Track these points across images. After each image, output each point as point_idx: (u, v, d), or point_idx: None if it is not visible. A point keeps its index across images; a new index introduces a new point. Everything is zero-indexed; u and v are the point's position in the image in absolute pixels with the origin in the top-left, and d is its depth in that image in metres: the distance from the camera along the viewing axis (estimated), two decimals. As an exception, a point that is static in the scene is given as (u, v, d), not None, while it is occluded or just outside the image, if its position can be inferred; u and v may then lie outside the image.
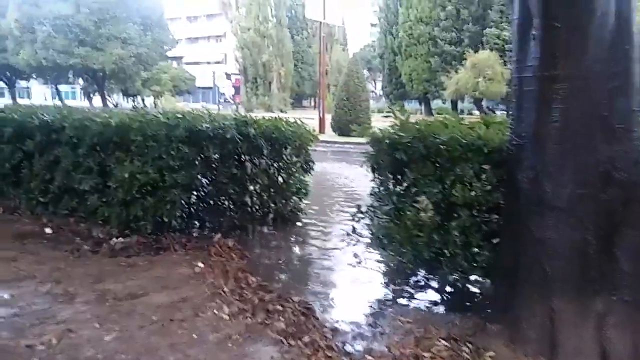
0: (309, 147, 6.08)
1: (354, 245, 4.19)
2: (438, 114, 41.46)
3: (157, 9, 46.96)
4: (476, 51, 29.99)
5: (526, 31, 2.66)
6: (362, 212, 4.03)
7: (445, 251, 3.54)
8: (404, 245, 3.68)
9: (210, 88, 56.44)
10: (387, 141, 3.78)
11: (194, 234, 5.28)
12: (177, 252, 4.76)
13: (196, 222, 5.49)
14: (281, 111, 40.01)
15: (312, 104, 64.75)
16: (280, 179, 5.82)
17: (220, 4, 52.02)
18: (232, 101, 50.46)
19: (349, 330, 3.30)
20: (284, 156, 5.78)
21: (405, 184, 3.80)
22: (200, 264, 4.42)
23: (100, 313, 3.40)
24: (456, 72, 29.89)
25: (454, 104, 37.25)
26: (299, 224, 6.16)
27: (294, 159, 5.98)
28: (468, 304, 3.73)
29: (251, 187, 5.47)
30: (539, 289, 2.74)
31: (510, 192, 3.04)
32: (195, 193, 5.20)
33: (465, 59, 29.60)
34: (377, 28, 46.25)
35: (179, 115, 4.81)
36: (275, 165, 5.75)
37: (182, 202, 4.82)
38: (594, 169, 2.54)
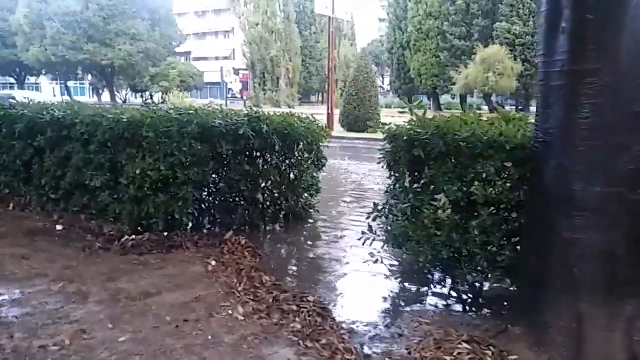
0: (320, 144, 6.01)
1: (369, 244, 4.10)
2: (446, 109, 41.24)
3: (165, 4, 47.04)
4: (486, 45, 29.65)
5: (555, 23, 2.55)
6: (378, 210, 3.94)
7: (464, 251, 3.46)
8: (422, 244, 3.60)
9: (218, 84, 56.46)
10: (404, 137, 3.70)
11: (205, 232, 5.22)
12: (189, 249, 4.70)
13: (207, 219, 5.44)
14: (289, 106, 39.92)
15: (320, 99, 64.54)
16: (292, 175, 5.75)
17: (228, -1, 51.93)
18: (239, 97, 50.41)
19: (366, 331, 3.22)
20: (295, 152, 5.70)
21: (422, 182, 3.72)
22: (213, 262, 4.36)
23: (114, 313, 3.34)
24: (465, 66, 29.57)
25: (463, 99, 36.95)
26: (310, 221, 6.09)
27: (306, 155, 5.91)
28: (487, 305, 3.65)
29: (263, 184, 5.40)
30: (566, 292, 2.65)
31: (534, 190, 2.95)
32: (206, 190, 5.14)
33: (475, 53, 29.27)
34: (386, 23, 45.95)
35: (191, 111, 4.73)
36: (287, 161, 5.68)
37: (194, 199, 4.74)
38: (625, 167, 2.44)
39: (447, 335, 3.04)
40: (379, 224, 4.06)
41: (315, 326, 3.18)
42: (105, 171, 5.22)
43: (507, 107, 31.00)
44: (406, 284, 4.11)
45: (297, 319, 3.29)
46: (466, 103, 36.02)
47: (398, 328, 3.26)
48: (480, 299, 3.72)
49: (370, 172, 11.01)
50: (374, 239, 3.97)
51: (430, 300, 3.81)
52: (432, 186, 3.61)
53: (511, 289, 3.53)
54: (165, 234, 4.94)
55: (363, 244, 4.02)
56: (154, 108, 5.01)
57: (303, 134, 5.45)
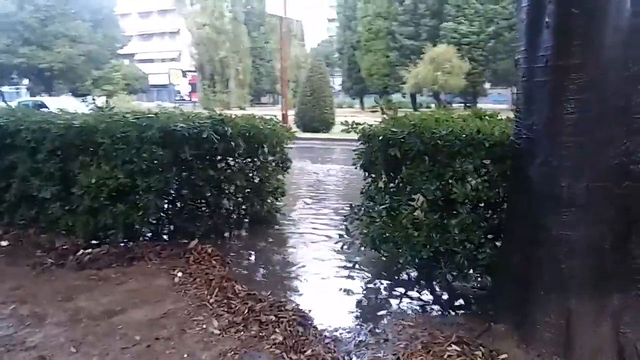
0: (284, 145, 5.85)
1: (341, 247, 3.99)
2: (398, 108, 41.94)
3: (108, 5, 45.21)
4: (434, 45, 30.37)
5: (538, 19, 2.52)
6: (355, 213, 3.83)
7: (444, 250, 3.41)
8: (401, 246, 3.52)
9: (166, 86, 55.03)
10: (380, 137, 3.60)
11: (168, 241, 4.94)
12: (152, 261, 4.43)
13: (169, 228, 5.16)
14: (240, 108, 39.34)
15: (271, 100, 64.16)
16: (257, 179, 5.56)
17: (173, -1, 50.61)
18: (188, 99, 49.28)
19: (350, 338, 3.10)
20: (260, 155, 5.52)
21: (399, 182, 3.64)
22: (179, 274, 4.12)
23: (76, 335, 3.07)
24: (415, 66, 30.16)
25: (413, 98, 37.64)
26: (276, 225, 5.92)
27: (270, 157, 5.73)
28: (466, 304, 3.62)
29: (228, 189, 5.18)
30: (554, 289, 2.63)
31: (517, 188, 2.92)
32: (168, 197, 4.86)
33: (424, 53, 29.93)
34: (336, 23, 46.20)
35: (151, 115, 4.45)
36: (251, 165, 5.48)
37: (157, 207, 4.47)
38: (610, 162, 2.44)
39: (434, 337, 2.96)
40: (355, 227, 3.94)
41: (298, 336, 3.03)
42: (56, 181, 4.86)
43: (455, 105, 31.86)
44: (382, 287, 4.02)
45: (277, 330, 3.13)
46: (416, 102, 36.70)
47: (382, 333, 3.16)
48: (460, 299, 3.67)
49: (330, 172, 10.95)
50: (352, 243, 3.84)
51: (409, 302, 3.73)
52: (409, 186, 3.54)
53: (490, 287, 3.52)
54: (125, 246, 4.66)
55: (342, 247, 3.89)
56: (109, 112, 4.69)
57: (268, 136, 5.27)
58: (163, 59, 66.44)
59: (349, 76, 41.09)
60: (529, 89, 2.66)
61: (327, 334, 3.13)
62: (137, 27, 64.13)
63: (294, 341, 2.97)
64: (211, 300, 3.60)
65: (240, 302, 3.57)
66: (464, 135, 3.24)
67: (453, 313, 3.48)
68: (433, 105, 32.24)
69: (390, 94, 39.32)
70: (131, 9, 67.06)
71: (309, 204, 7.24)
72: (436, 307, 3.64)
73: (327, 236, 5.40)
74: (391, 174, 3.69)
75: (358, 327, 3.29)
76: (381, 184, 3.71)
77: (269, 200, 5.90)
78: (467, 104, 33.88)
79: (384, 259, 3.78)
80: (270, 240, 5.38)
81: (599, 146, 2.43)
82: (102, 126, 4.53)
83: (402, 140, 3.47)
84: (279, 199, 6.04)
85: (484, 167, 3.25)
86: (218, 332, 3.13)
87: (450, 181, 3.37)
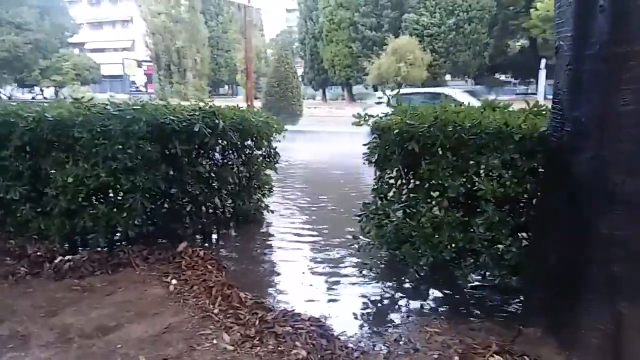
0: (271, 139, 5.52)
1: (358, 249, 3.75)
2: (359, 99, 41.85)
3: (55, -9, 42.98)
4: (396, 36, 30.42)
5: (589, 2, 2.33)
6: (370, 211, 3.58)
7: (468, 250, 3.23)
8: (420, 246, 3.31)
9: (120, 77, 52.87)
10: (395, 130, 3.36)
11: (154, 244, 4.54)
12: (140, 267, 4.05)
13: (153, 230, 4.75)
14: (199, 99, 38.19)
15: (230, 91, 62.96)
16: (246, 175, 5.22)
17: (126, -14, 48.59)
18: (144, 90, 47.55)
19: (377, 350, 2.86)
20: (249, 150, 5.18)
21: (418, 178, 3.41)
22: (174, 281, 3.77)
23: (69, 358, 2.69)
24: (378, 57, 30.13)
25: (375, 89, 37.71)
26: (265, 223, 5.61)
27: (259, 152, 5.41)
28: (489, 307, 3.45)
29: (217, 186, 4.82)
30: (603, 292, 2.46)
31: (555, 184, 2.74)
32: (155, 196, 4.46)
33: (386, 44, 29.93)
34: (297, 13, 45.62)
35: (137, 107, 4.04)
36: (240, 160, 5.14)
37: (143, 208, 4.07)
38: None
39: (468, 346, 2.77)
40: (364, 226, 3.70)
41: (323, 350, 2.76)
42: (25, 181, 4.37)
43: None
44: (397, 290, 3.80)
45: (297, 343, 2.85)
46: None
47: (409, 342, 2.93)
48: (480, 302, 3.50)
49: (306, 165, 10.68)
50: (369, 244, 3.59)
51: (428, 306, 3.53)
52: (429, 183, 3.32)
53: (508, 288, 3.36)
54: (107, 250, 4.25)
55: (358, 250, 3.64)
56: (87, 104, 4.24)
57: (260, 129, 4.94)
58: (115, 49, 63.85)
59: (311, 67, 40.71)
60: (575, 78, 2.48)
61: (351, 345, 2.88)
62: (87, 15, 61.27)
63: (319, 356, 2.71)
64: (215, 311, 3.28)
65: (248, 311, 3.26)
66: (491, 128, 3.05)
67: (477, 317, 3.29)
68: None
69: (353, 85, 39.27)
70: (80, -4, 64.10)
71: (293, 200, 6.95)
72: (457, 310, 3.44)
73: (320, 234, 5.16)
74: (409, 169, 3.46)
75: (380, 336, 3.05)
76: (400, 181, 3.47)
77: (255, 198, 5.58)
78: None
79: (399, 260, 3.55)
80: (264, 240, 5.09)
81: (659, 140, 2.27)
82: (80, 119, 4.09)
83: (422, 133, 3.25)
84: (266, 195, 5.72)
85: (512, 161, 3.06)
86: (231, 347, 2.83)
87: (475, 177, 3.18)
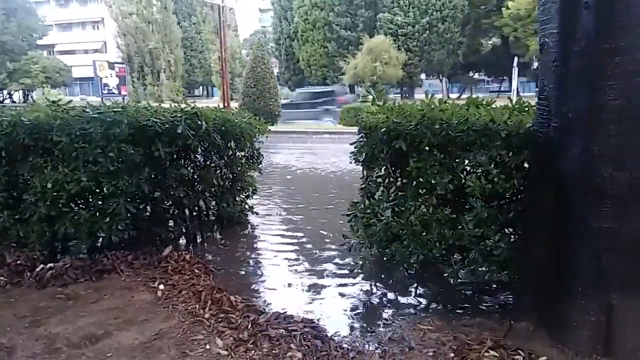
0: (254, 140, 5.48)
1: (349, 249, 3.74)
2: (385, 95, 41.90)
3: (21, -8, 41.87)
4: (371, 36, 30.54)
5: (574, 0, 2.37)
6: (359, 210, 3.58)
7: (457, 247, 3.25)
8: (410, 245, 3.32)
9: (91, 79, 51.69)
10: (383, 129, 3.37)
11: (137, 249, 4.44)
12: (125, 273, 3.97)
13: (136, 234, 4.65)
14: (173, 101, 37.70)
15: (205, 92, 62.34)
16: (230, 176, 5.17)
17: (95, -14, 47.64)
18: (117, 92, 46.68)
19: (372, 349, 2.86)
20: (232, 151, 5.13)
21: (406, 176, 3.42)
22: (161, 286, 3.71)
23: (57, 370, 2.61)
24: (353, 57, 30.20)
25: (352, 89, 37.82)
26: (251, 225, 5.57)
27: (241, 153, 5.36)
28: (478, 302, 3.48)
29: (201, 189, 4.75)
30: (593, 285, 2.51)
31: (543, 179, 2.78)
32: (137, 200, 4.36)
33: (362, 43, 30.02)
34: (271, 13, 45.43)
35: (118, 109, 3.95)
36: (223, 161, 5.08)
37: (127, 212, 3.98)
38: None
39: (462, 342, 2.79)
40: (353, 226, 3.69)
41: (318, 352, 2.75)
42: (2, 187, 4.25)
43: (392, 96, 32.33)
44: (387, 289, 3.81)
45: (292, 345, 2.83)
46: (355, 93, 36.89)
47: (403, 340, 2.94)
48: (468, 297, 3.54)
49: (285, 166, 10.64)
50: (359, 243, 3.59)
51: (418, 303, 3.55)
52: (417, 181, 3.34)
53: (495, 283, 3.40)
54: (90, 257, 4.15)
55: (349, 250, 3.64)
56: (65, 107, 4.13)
57: (243, 130, 4.89)
58: (86, 50, 62.53)
59: (287, 67, 40.56)
60: (562, 74, 2.52)
61: (346, 345, 2.87)
62: (55, 16, 59.76)
63: (315, 357, 2.69)
64: (206, 315, 3.23)
65: (239, 315, 3.23)
66: (478, 126, 3.08)
67: (467, 313, 3.31)
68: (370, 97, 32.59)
69: (330, 85, 39.29)
70: (48, -3, 62.56)
71: (275, 202, 6.91)
72: (448, 307, 3.45)
73: (306, 235, 5.15)
74: (396, 168, 3.47)
75: (375, 335, 3.06)
76: (387, 179, 3.48)
77: (239, 199, 5.53)
78: (405, 95, 34.56)
79: (388, 259, 3.55)
80: (250, 243, 5.06)
81: (645, 134, 2.32)
82: (57, 122, 3.98)
83: (409, 131, 3.26)
84: (250, 197, 5.67)
85: (499, 158, 3.10)
86: (225, 352, 2.79)
87: (462, 174, 3.21)
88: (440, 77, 38.28)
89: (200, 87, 62.03)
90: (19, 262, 4.10)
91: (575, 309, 2.60)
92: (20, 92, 47.55)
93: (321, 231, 5.23)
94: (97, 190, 4.06)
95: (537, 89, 2.84)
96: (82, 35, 65.28)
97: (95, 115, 3.95)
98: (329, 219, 5.72)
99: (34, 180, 4.04)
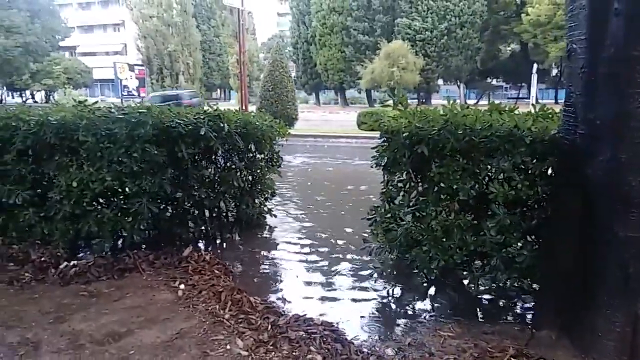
0: (274, 142, 5.51)
1: (370, 253, 3.74)
2: (352, 103, 41.88)
3: (45, -6, 42.66)
4: (389, 41, 30.54)
5: (604, 5, 2.35)
6: (380, 215, 3.58)
7: (478, 253, 3.24)
8: (431, 250, 3.31)
9: (111, 81, 52.51)
10: (405, 134, 3.37)
11: (158, 249, 4.50)
12: (146, 272, 4.02)
13: (157, 234, 4.71)
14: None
15: (222, 95, 62.82)
16: (250, 178, 5.21)
17: (117, -10, 48.42)
18: (136, 94, 47.32)
19: (392, 355, 2.85)
20: (253, 153, 5.17)
21: (428, 181, 3.42)
22: (182, 286, 3.74)
23: (82, 365, 2.66)
24: (370, 61, 30.24)
25: (369, 94, 37.83)
26: (269, 227, 5.59)
27: (261, 155, 5.39)
28: (498, 310, 3.46)
29: (222, 190, 4.80)
30: (619, 293, 2.48)
31: (568, 186, 2.76)
32: (160, 200, 4.43)
33: (379, 48, 30.05)
34: (289, 17, 45.68)
35: (143, 110, 4.02)
36: (243, 163, 5.12)
37: (150, 212, 4.04)
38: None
39: (483, 350, 2.77)
40: (374, 231, 3.70)
41: (338, 355, 2.75)
42: (28, 185, 4.32)
43: (409, 101, 32.20)
44: (407, 293, 3.80)
45: (312, 347, 2.83)
46: (372, 98, 36.89)
47: (423, 346, 2.93)
48: (488, 304, 3.51)
49: (302, 167, 10.68)
50: (379, 247, 3.59)
51: (438, 309, 3.53)
52: (438, 186, 3.33)
53: (517, 291, 3.37)
54: (112, 255, 4.21)
55: (369, 254, 3.64)
56: (92, 108, 4.21)
57: (264, 133, 4.93)
58: (107, 52, 63.50)
59: (304, 71, 40.73)
60: (591, 81, 2.50)
61: (366, 350, 2.87)
62: (78, 18, 60.86)
63: (336, 361, 2.70)
64: (226, 316, 3.25)
65: (259, 316, 3.24)
66: (502, 132, 3.07)
67: (488, 320, 3.29)
68: (390, 102, 32.53)
69: (346, 89, 39.36)
70: (70, 0, 63.74)
71: (295, 203, 6.93)
72: (468, 314, 3.42)
73: (324, 238, 5.16)
74: (418, 173, 3.47)
75: (394, 340, 3.05)
76: (409, 184, 3.48)
77: (258, 201, 5.57)
78: (422, 100, 34.42)
79: (409, 264, 3.55)
80: (269, 245, 5.07)
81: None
82: (84, 122, 4.06)
83: (432, 136, 3.26)
84: (269, 199, 5.70)
85: (523, 164, 3.08)
86: (245, 353, 2.81)
87: (485, 180, 3.20)
88: (458, 83, 38.08)
89: (218, 90, 62.49)
90: (43, 259, 4.18)
91: (600, 318, 2.57)
92: (43, 92, 48.43)
93: (340, 234, 5.23)
94: (121, 190, 4.12)
95: (556, 96, 2.81)
96: (103, 37, 66.37)
97: (121, 116, 4.02)
98: (348, 221, 5.72)
99: (60, 178, 4.12)
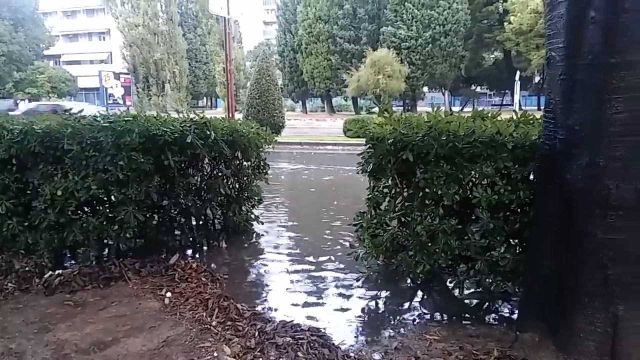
0: (261, 150, 5.53)
1: (355, 259, 3.76)
2: (338, 111, 42.07)
3: (29, 3, 42.32)
4: (375, 49, 30.78)
5: (581, 13, 2.42)
6: (367, 220, 3.61)
7: (463, 257, 3.28)
8: (416, 255, 3.35)
9: (96, 89, 52.15)
10: (390, 140, 3.41)
11: (144, 257, 4.47)
12: (133, 281, 3.99)
13: (142, 242, 4.67)
14: (178, 112, 37.94)
15: (209, 103, 62.70)
16: (237, 185, 5.22)
17: (102, -2, 48.19)
18: (122, 102, 47.00)
19: (379, 359, 2.87)
20: (240, 161, 5.18)
21: (413, 187, 3.46)
22: (168, 294, 3.73)
23: (67, 375, 2.64)
24: (356, 69, 30.43)
25: (355, 102, 38.04)
26: (256, 234, 5.59)
27: (248, 163, 5.41)
28: (481, 313, 3.50)
29: (209, 198, 4.80)
30: (599, 295, 2.53)
31: (549, 191, 2.81)
32: (146, 208, 4.41)
33: (365, 56, 30.26)
34: (275, 26, 45.86)
35: (129, 118, 4.01)
36: (230, 171, 5.13)
37: (136, 221, 4.02)
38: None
39: (469, 353, 2.81)
40: (359, 236, 3.73)
41: (326, 360, 2.77)
42: (12, 194, 4.28)
43: (394, 108, 32.47)
44: (392, 298, 3.82)
45: (299, 353, 2.85)
46: (358, 105, 37.09)
47: (409, 349, 2.96)
48: (471, 308, 3.56)
49: (289, 174, 10.70)
50: (365, 252, 3.62)
51: (422, 313, 3.56)
52: (424, 191, 3.37)
53: (498, 294, 3.42)
54: (97, 264, 4.17)
55: (355, 260, 3.66)
56: (76, 116, 4.19)
57: (250, 140, 4.95)
58: (92, 61, 63.06)
59: (291, 79, 40.86)
60: (569, 88, 2.56)
61: (353, 354, 2.89)
62: (62, 26, 60.41)
63: (322, 365, 2.71)
64: (213, 323, 3.25)
65: (247, 323, 3.25)
66: (485, 137, 3.13)
67: (472, 323, 3.33)
68: (376, 109, 32.74)
69: (333, 97, 39.54)
70: (55, 8, 63.27)
71: (276, 210, 6.95)
72: (453, 317, 3.46)
73: (311, 244, 5.18)
74: (402, 179, 3.51)
75: (381, 344, 3.07)
76: (394, 190, 3.52)
77: (244, 209, 5.57)
78: (407, 108, 34.70)
79: (395, 268, 3.58)
80: (256, 252, 5.06)
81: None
82: (69, 131, 4.04)
83: (416, 143, 3.30)
84: (255, 206, 5.71)
85: (505, 169, 3.14)
86: (233, 359, 2.81)
87: (469, 185, 3.25)
88: (443, 90, 38.48)
89: (205, 98, 62.40)
90: (27, 268, 4.13)
91: (581, 319, 2.62)
92: (27, 101, 47.89)
93: (327, 240, 5.26)
94: (106, 198, 4.11)
95: (538, 103, 2.88)
96: (88, 45, 65.95)
97: (106, 125, 4.01)
98: (335, 227, 5.75)
99: (44, 187, 4.08)
